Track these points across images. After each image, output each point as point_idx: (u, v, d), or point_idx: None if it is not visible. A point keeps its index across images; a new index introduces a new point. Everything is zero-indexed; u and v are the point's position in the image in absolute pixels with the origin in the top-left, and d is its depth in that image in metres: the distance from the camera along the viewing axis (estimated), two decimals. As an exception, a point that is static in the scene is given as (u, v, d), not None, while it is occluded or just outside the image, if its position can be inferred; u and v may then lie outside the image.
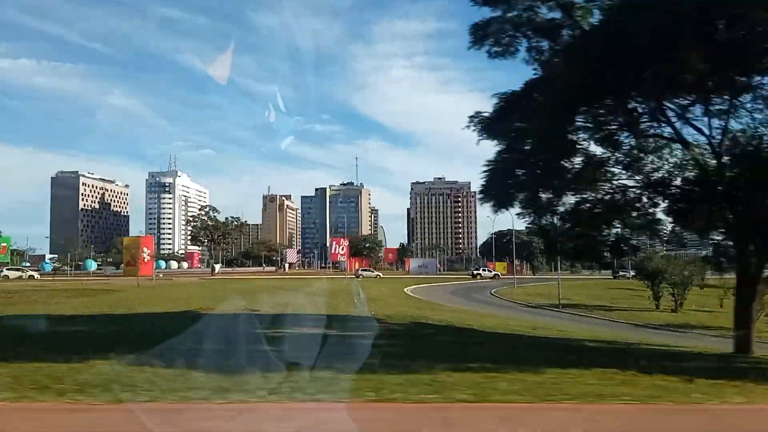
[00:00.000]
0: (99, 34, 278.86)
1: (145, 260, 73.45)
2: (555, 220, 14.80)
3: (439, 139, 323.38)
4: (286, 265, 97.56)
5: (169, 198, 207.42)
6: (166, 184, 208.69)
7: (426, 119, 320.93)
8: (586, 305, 43.02)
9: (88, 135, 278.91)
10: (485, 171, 13.02)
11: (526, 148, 12.88)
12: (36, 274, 72.76)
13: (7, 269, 71.92)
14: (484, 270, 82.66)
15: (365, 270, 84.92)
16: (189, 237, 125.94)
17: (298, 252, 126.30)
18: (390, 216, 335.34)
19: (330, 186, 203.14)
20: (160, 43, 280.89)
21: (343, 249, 78.35)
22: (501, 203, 13.52)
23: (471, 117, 13.49)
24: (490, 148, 13.24)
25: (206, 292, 34.49)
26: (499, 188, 13.07)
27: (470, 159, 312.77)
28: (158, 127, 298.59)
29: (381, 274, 78.58)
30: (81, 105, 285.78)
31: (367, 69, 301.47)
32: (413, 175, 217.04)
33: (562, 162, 13.71)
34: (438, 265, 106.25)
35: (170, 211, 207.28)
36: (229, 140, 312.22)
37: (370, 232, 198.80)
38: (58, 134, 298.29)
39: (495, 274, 78.95)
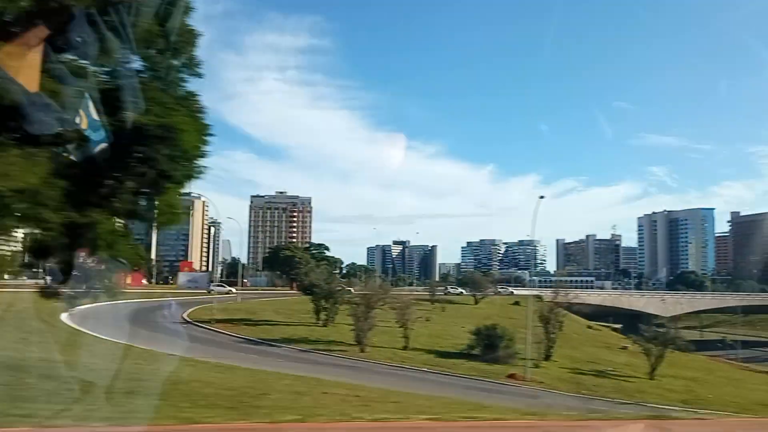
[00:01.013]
0: None
1: None
2: None
3: (308, 153, 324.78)
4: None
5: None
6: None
7: (296, 133, 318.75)
8: (254, 321, 43.02)
9: None
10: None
11: None
12: None
13: None
14: None
15: (218, 285, 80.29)
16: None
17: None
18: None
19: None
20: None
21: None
22: None
23: None
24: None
25: None
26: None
27: (338, 173, 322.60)
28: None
29: (234, 290, 73.00)
30: None
31: (238, 79, 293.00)
32: (282, 187, 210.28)
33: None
34: (246, 281, 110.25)
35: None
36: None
37: (204, 245, 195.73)
38: None
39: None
